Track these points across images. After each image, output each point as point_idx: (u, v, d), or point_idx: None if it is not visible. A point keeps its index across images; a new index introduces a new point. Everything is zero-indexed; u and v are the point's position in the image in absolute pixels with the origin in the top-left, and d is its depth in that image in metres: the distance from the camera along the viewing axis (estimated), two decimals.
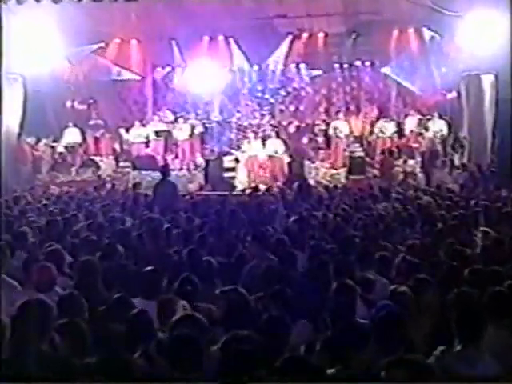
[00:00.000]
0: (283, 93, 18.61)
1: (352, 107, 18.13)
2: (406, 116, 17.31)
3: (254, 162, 16.18)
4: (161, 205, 9.17)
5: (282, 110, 18.63)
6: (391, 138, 16.78)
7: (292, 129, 18.03)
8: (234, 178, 15.94)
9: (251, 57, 18.01)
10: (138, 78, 18.44)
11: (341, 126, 16.85)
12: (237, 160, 16.50)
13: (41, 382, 3.01)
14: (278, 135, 16.87)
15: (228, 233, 7.01)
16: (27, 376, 2.99)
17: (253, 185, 14.48)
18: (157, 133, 17.20)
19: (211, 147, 17.61)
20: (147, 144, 17.34)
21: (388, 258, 5.58)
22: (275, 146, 16.38)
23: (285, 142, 16.61)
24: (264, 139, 16.69)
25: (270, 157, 16.15)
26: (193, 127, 17.37)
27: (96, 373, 2.90)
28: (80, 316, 3.85)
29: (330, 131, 16.98)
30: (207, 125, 17.96)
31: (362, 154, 16.66)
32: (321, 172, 16.35)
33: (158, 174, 12.72)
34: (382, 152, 16.23)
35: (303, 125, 18.08)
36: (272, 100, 18.66)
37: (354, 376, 3.17)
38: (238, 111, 18.42)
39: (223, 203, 10.10)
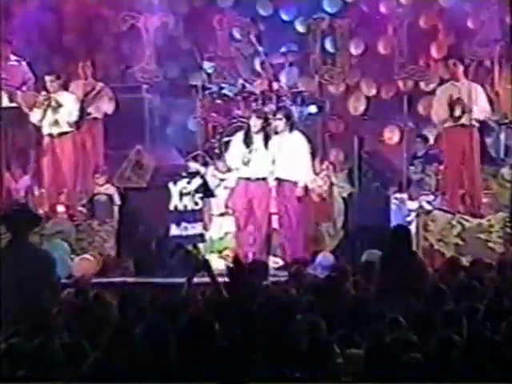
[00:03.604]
0: (329, 8, 19.68)
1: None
2: None
3: (254, 191, 16.89)
4: (9, 310, 9.95)
5: (327, 55, 18.95)
6: None
7: (354, 104, 18.73)
8: (200, 237, 16.60)
9: None
10: None
11: (467, 94, 17.14)
12: (207, 192, 17.03)
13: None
14: (290, 123, 17.16)
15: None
16: None
17: (250, 256, 15.78)
18: None
19: (132, 155, 18.13)
20: None
21: None
22: (293, 149, 16.72)
23: (310, 141, 17.05)
24: (270, 134, 17.09)
25: (288, 181, 16.74)
26: (83, 101, 18.44)
27: None
28: None
29: (440, 108, 17.29)
30: (135, 95, 19.78)
31: None
32: (434, 225, 16.79)
33: None
34: None
35: (383, 94, 19.26)
36: (300, 28, 20.02)
37: None
38: (212, 58, 19.18)
39: (169, 305, 10.34)
